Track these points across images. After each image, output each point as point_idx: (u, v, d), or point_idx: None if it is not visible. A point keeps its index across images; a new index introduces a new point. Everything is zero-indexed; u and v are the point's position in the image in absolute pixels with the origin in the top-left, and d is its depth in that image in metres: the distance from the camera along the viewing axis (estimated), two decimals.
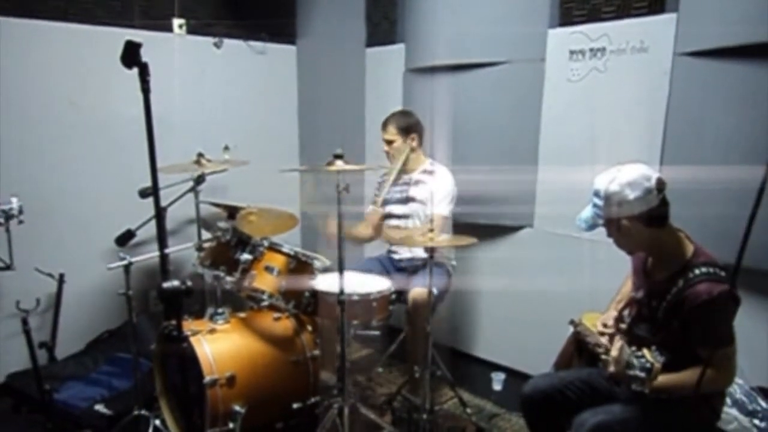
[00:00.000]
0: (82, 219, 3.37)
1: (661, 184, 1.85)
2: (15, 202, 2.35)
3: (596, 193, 1.91)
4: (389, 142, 3.15)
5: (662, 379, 1.74)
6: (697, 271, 1.82)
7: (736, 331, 1.83)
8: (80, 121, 3.33)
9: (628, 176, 1.86)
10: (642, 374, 1.70)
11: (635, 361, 1.73)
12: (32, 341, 2.53)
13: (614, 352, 1.89)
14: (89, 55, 3.28)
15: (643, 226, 1.87)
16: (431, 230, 2.52)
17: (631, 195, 1.84)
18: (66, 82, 3.27)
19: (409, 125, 3.14)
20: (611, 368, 1.87)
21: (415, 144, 3.16)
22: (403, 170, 3.22)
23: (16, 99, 3.10)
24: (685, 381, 1.79)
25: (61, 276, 3.24)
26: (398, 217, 3.24)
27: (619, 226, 1.89)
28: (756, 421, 2.27)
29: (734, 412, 2.25)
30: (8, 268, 2.40)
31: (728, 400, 2.22)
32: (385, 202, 3.29)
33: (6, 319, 3.06)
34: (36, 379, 2.56)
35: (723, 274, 1.81)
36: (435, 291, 2.65)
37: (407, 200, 3.20)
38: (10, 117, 3.08)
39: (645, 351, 1.75)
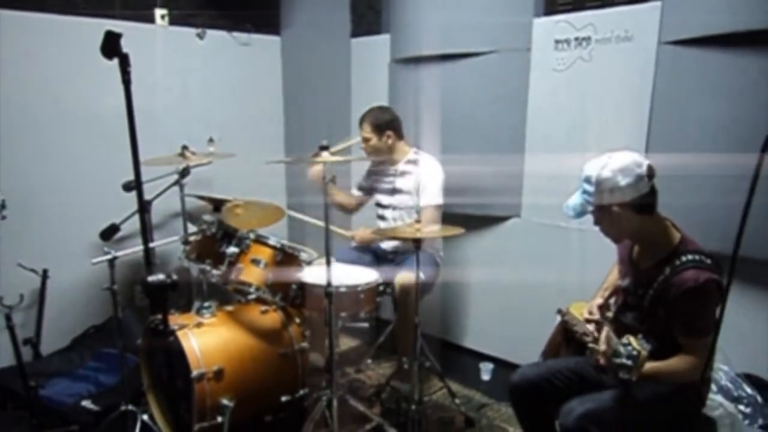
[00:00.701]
0: (65, 214, 3.32)
1: (651, 171, 1.85)
2: None
3: (587, 180, 1.90)
4: (366, 140, 3.15)
5: (649, 366, 1.74)
6: (684, 258, 1.82)
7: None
8: (62, 114, 3.27)
9: (619, 163, 1.85)
10: (629, 362, 1.71)
11: (622, 349, 1.74)
12: (16, 338, 2.49)
13: (601, 341, 1.90)
14: (70, 45, 3.21)
15: (633, 213, 1.87)
16: (418, 221, 2.52)
17: (623, 181, 1.83)
18: (46, 73, 3.20)
19: (383, 122, 3.12)
20: (598, 357, 1.88)
21: (391, 141, 3.15)
22: (389, 161, 3.22)
23: None
24: (671, 368, 1.81)
25: (45, 271, 3.20)
26: (385, 207, 3.27)
27: (609, 212, 1.89)
28: (741, 407, 2.30)
29: (720, 398, 2.27)
30: None
31: (714, 387, 2.24)
32: (373, 191, 3.32)
33: None
34: (21, 376, 2.53)
35: (709, 261, 1.82)
36: (421, 276, 2.65)
37: (393, 192, 3.21)
38: None
39: (631, 339, 1.76)
